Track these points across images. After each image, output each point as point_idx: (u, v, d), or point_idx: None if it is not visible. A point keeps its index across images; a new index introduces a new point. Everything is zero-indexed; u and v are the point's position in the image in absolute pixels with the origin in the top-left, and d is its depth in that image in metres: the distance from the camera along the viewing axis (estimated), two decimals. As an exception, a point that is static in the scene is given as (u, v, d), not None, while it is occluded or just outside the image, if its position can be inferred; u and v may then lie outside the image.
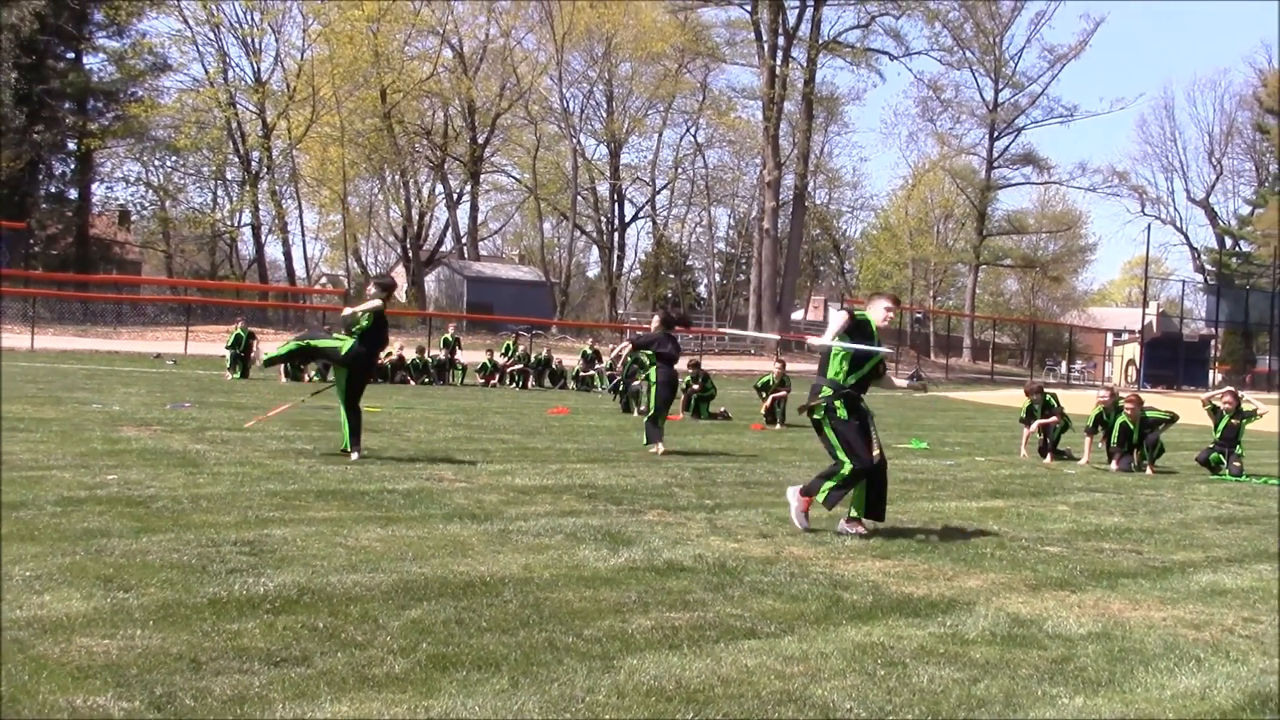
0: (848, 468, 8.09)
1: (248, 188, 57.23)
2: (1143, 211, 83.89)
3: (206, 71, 57.20)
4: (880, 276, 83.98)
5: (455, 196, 68.58)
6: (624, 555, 6.86)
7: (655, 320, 14.70)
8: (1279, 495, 12.75)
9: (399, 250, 69.94)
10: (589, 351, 34.35)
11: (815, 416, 8.35)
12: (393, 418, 16.80)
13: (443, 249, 70.29)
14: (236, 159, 58.70)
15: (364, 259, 70.56)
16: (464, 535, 7.27)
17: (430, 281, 65.45)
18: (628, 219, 74.79)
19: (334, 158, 56.28)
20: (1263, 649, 5.44)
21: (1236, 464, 14.87)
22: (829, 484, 8.12)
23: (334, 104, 54.39)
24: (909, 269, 79.21)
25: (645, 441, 13.95)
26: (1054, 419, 16.37)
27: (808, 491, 8.23)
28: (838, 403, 8.19)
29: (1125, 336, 73.88)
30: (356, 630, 4.86)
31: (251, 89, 56.71)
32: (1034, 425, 16.46)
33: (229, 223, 63.00)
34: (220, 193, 63.22)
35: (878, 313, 8.50)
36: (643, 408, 15.56)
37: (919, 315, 70.30)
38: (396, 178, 62.42)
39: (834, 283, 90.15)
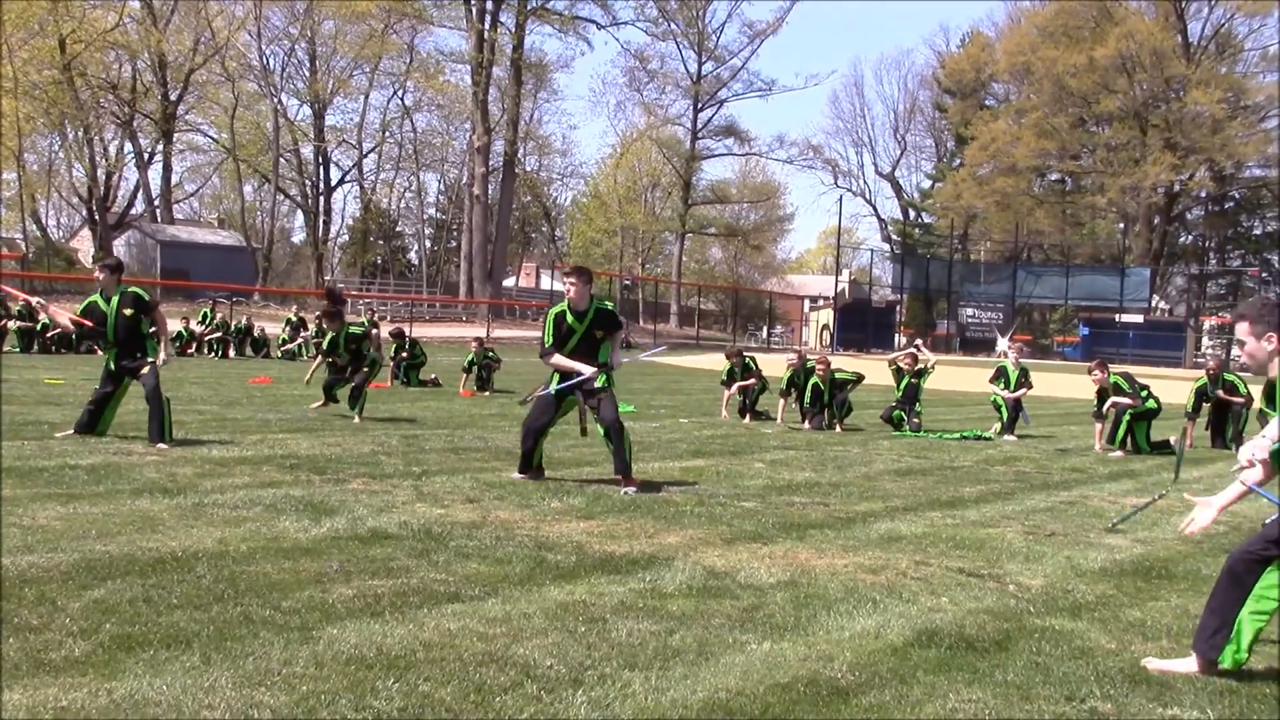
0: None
1: (-95, 142, 52.21)
2: (835, 184, 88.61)
3: None
4: (590, 244, 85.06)
5: (146, 156, 64.76)
6: (326, 525, 6.73)
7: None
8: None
9: (84, 212, 65.47)
10: (294, 319, 33.27)
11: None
12: (77, 390, 15.79)
13: (133, 211, 66.24)
14: (-109, 110, 53.37)
15: (44, 221, 65.62)
16: (154, 510, 6.95)
17: (119, 245, 61.54)
18: (334, 183, 72.60)
19: (6, 111, 52.01)
20: (931, 589, 5.88)
21: (916, 420, 15.97)
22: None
23: (5, 53, 50.22)
24: (618, 236, 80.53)
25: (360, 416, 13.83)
26: (752, 381, 17.06)
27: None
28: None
29: (821, 303, 77.88)
30: (31, 614, 4.58)
31: (-92, 33, 51.66)
32: (734, 387, 17.11)
33: (-117, 181, 57.36)
34: (-128, 147, 57.32)
35: None
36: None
37: (627, 282, 71.68)
38: (79, 134, 58.32)
39: (546, 249, 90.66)
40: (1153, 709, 4.16)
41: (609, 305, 9.32)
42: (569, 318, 8.97)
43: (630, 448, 9.00)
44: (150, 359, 10.36)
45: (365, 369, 14.27)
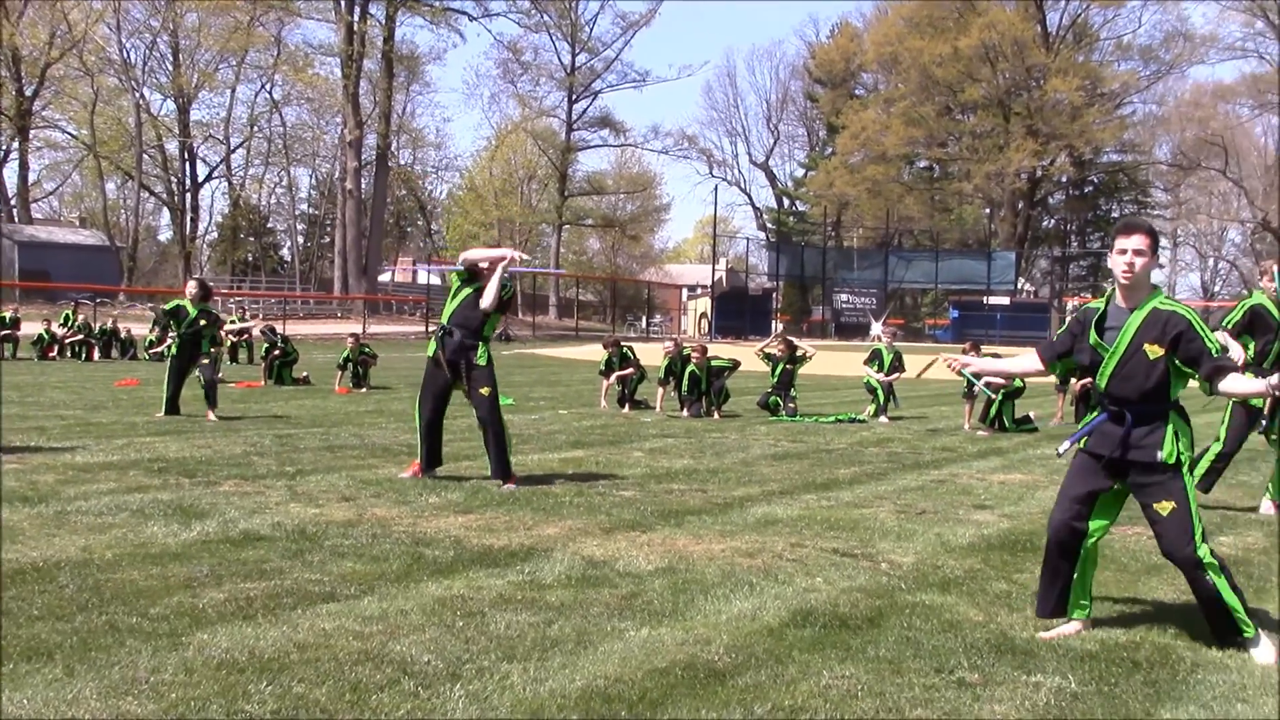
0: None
1: None
2: (711, 173, 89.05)
3: None
4: (467, 237, 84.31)
5: (1, 154, 62.38)
6: (196, 529, 6.58)
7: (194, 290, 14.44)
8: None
9: (-65, 214, 62.86)
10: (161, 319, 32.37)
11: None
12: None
13: (-12, 211, 63.83)
14: None
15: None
16: (13, 520, 6.71)
17: (-25, 247, 59.34)
18: (201, 179, 70.81)
19: None
20: (806, 570, 5.98)
21: (792, 405, 16.21)
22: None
23: None
24: (495, 229, 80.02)
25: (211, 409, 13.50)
26: (630, 370, 17.14)
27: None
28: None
29: (698, 291, 78.40)
30: (-119, 632, 4.39)
31: None
32: (612, 377, 17.16)
33: None
34: None
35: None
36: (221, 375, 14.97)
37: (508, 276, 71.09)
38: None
39: (421, 244, 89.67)
40: (1017, 676, 4.30)
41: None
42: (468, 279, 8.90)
43: (510, 445, 8.86)
44: None
45: (205, 360, 13.92)
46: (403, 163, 75.51)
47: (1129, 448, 4.73)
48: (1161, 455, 4.68)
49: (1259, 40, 68.78)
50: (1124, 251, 4.69)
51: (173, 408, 13.84)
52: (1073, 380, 16.41)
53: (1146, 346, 4.65)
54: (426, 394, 8.88)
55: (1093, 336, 4.81)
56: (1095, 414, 4.92)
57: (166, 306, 14.06)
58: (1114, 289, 4.85)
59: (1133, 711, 3.98)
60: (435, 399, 8.87)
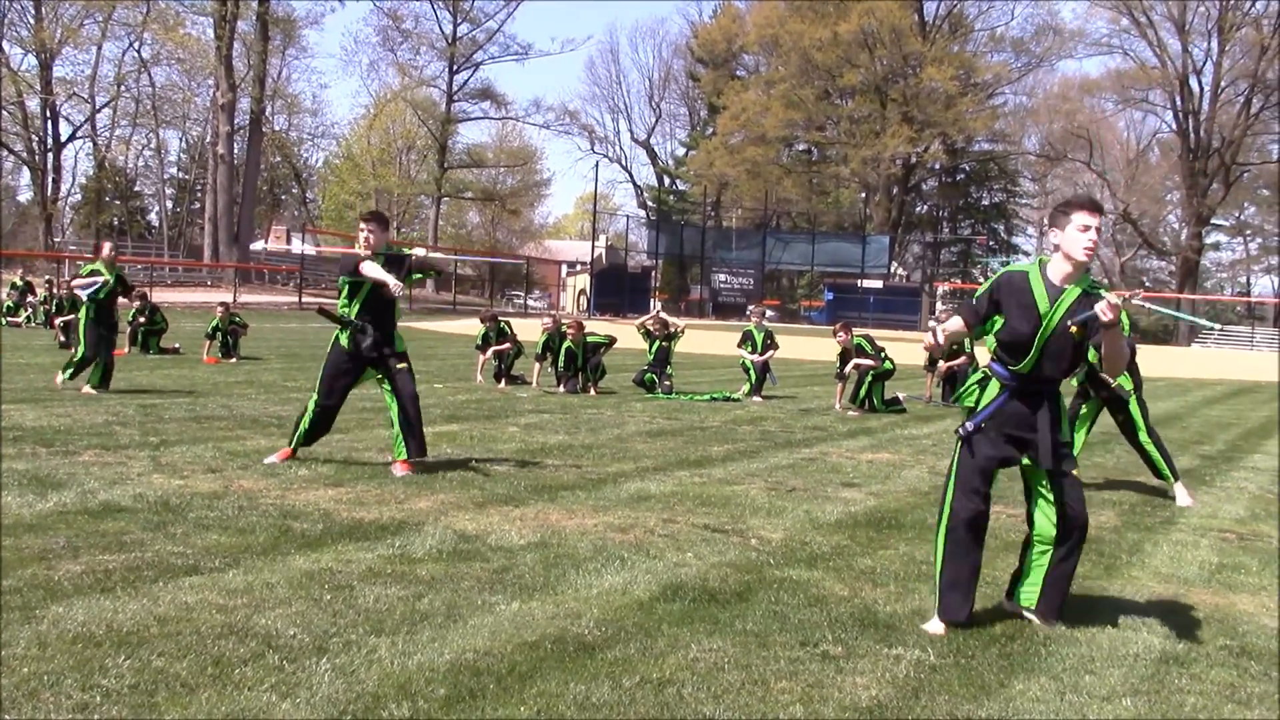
0: (312, 402, 8.22)
1: None
2: (592, 150, 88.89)
3: None
4: (344, 207, 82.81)
5: None
6: (53, 499, 6.38)
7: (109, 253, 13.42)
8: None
9: None
10: (20, 283, 31.21)
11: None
12: None
13: None
14: None
15: None
16: None
17: None
18: (64, 139, 68.15)
19: None
20: (677, 545, 6.04)
21: (668, 382, 16.31)
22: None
23: None
24: (373, 199, 78.69)
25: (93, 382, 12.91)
26: (507, 345, 17.05)
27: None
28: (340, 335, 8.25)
29: (578, 268, 78.31)
30: None
31: None
32: (489, 352, 17.06)
33: None
34: None
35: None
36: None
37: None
38: None
39: (296, 212, 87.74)
40: (879, 649, 4.41)
41: (403, 251, 8.74)
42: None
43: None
44: None
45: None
46: (278, 129, 73.65)
47: (1040, 429, 4.74)
48: (1064, 435, 4.86)
49: (1124, 37, 71.19)
50: (1087, 229, 4.67)
51: (107, 378, 12.84)
52: (940, 363, 16.85)
53: (1072, 327, 4.64)
54: (336, 383, 8.26)
55: (1044, 304, 4.69)
56: (997, 393, 4.82)
57: (86, 270, 13.13)
58: (1041, 262, 4.82)
59: (988, 682, 4.11)
60: (343, 390, 8.32)
